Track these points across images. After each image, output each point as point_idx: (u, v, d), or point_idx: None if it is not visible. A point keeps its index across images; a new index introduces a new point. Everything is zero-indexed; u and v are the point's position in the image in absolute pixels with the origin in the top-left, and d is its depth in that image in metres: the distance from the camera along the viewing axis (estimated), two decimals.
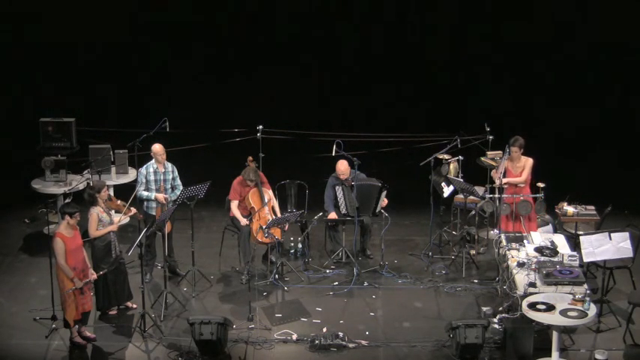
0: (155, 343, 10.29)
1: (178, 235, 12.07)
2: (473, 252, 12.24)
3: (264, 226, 11.36)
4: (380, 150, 14.01)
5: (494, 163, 12.36)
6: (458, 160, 12.45)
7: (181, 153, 13.10)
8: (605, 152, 15.15)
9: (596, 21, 15.54)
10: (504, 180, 11.47)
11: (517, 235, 10.95)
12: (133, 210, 10.92)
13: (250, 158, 11.87)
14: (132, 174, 13.25)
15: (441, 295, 11.38)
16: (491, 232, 12.20)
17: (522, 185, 11.53)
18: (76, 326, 10.23)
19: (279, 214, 11.84)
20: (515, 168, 11.55)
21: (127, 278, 10.93)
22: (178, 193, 11.53)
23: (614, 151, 15.19)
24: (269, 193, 11.87)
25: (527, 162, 11.55)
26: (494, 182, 11.69)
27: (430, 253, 12.34)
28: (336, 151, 11.70)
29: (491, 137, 12.57)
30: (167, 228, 11.19)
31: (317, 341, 10.20)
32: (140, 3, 16.01)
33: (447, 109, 15.77)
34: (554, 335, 9.45)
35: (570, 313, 9.26)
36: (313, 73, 16.17)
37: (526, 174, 11.54)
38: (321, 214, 12.10)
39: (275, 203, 11.96)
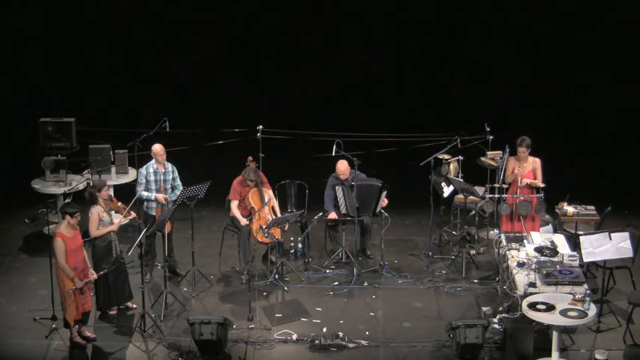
0: (155, 343, 10.29)
1: (178, 235, 12.06)
2: (473, 252, 12.24)
3: (264, 226, 11.36)
4: (380, 150, 14.00)
5: (494, 163, 12.35)
6: (458, 160, 12.45)
7: (181, 153, 13.10)
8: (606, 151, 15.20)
9: None
10: (524, 181, 11.39)
11: (517, 235, 10.95)
12: (133, 214, 10.89)
13: (250, 158, 11.87)
14: (132, 174, 13.24)
15: (441, 295, 11.38)
16: (491, 232, 12.20)
17: (522, 185, 11.51)
18: (76, 326, 10.23)
19: (279, 214, 11.84)
20: (521, 168, 11.50)
21: (127, 278, 10.92)
22: (178, 193, 11.53)
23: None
24: (269, 193, 11.86)
25: (537, 162, 11.49)
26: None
27: (430, 253, 12.34)
28: (336, 151, 11.71)
29: (491, 137, 12.56)
30: (167, 228, 11.19)
31: (317, 341, 10.20)
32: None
33: (447, 109, 15.80)
34: (554, 335, 9.45)
35: (570, 313, 9.26)
36: (313, 73, 16.17)
37: (540, 175, 11.50)
38: (321, 214, 12.09)
39: (275, 203, 11.95)
